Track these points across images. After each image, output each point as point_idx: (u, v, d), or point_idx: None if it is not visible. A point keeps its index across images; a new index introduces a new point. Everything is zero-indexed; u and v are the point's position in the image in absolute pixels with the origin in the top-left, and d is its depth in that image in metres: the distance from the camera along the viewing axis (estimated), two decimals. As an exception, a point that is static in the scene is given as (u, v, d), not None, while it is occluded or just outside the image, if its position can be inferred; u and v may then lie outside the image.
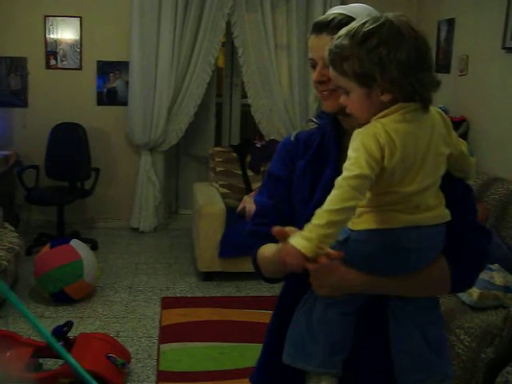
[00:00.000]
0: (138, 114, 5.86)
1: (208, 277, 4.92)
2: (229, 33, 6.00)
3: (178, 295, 4.63)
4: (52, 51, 5.86)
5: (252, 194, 5.09)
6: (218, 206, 4.92)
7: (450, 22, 5.27)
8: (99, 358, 3.18)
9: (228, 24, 5.86)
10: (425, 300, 1.46)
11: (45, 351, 3.32)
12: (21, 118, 5.90)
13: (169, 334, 3.95)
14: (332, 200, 1.24)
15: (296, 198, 1.55)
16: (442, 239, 1.40)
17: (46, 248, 4.38)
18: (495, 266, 3.37)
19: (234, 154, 5.59)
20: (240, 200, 5.08)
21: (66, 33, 5.84)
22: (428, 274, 1.41)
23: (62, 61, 5.90)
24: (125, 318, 4.17)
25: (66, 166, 5.64)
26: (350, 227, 1.36)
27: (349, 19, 1.41)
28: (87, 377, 1.06)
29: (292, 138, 1.62)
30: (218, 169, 5.51)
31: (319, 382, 1.43)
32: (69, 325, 3.37)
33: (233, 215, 4.84)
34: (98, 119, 5.99)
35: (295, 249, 1.24)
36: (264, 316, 4.23)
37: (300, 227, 1.29)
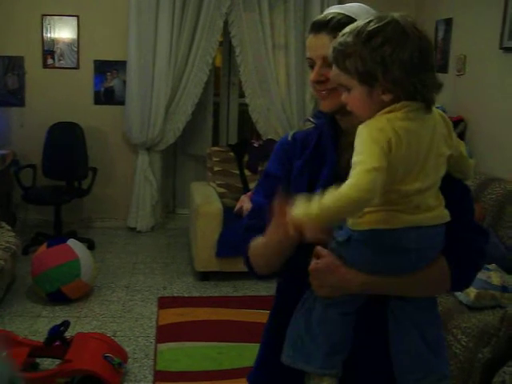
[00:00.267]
0: (136, 114, 5.85)
1: (205, 276, 4.91)
2: (226, 32, 6.00)
3: (175, 295, 4.63)
4: (49, 50, 5.85)
5: (249, 193, 5.09)
6: (216, 206, 4.92)
7: (448, 22, 5.27)
8: (96, 358, 3.17)
9: (226, 23, 5.86)
10: (424, 300, 1.46)
11: (41, 351, 3.32)
12: (18, 117, 5.89)
13: (166, 333, 3.95)
14: (351, 187, 1.22)
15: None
16: (442, 239, 1.40)
17: (43, 247, 4.38)
18: (492, 266, 3.38)
19: (232, 154, 5.59)
20: (237, 200, 5.07)
21: (63, 32, 5.83)
22: (428, 274, 1.41)
23: (59, 60, 5.89)
24: (122, 317, 4.17)
25: (63, 165, 5.63)
26: (352, 227, 1.36)
27: (348, 19, 1.41)
28: None
29: (289, 138, 1.61)
30: (216, 168, 5.50)
31: (320, 382, 1.43)
32: (65, 324, 3.37)
33: (230, 215, 4.83)
34: (95, 118, 5.98)
35: (296, 216, 1.26)
36: (261, 316, 4.22)
37: None
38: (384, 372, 1.46)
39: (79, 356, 3.14)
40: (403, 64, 1.27)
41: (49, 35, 5.82)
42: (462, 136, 4.78)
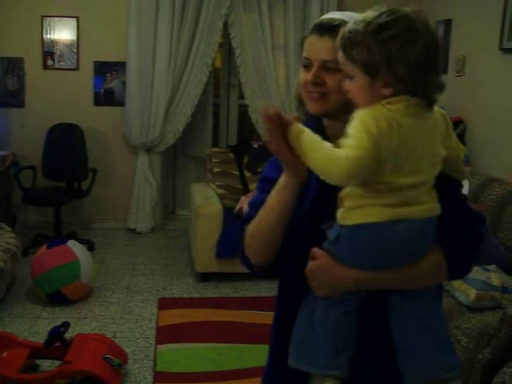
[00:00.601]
0: (135, 115, 5.85)
1: (205, 277, 4.91)
2: (226, 33, 6.00)
3: (175, 296, 4.63)
4: (49, 51, 5.86)
5: (249, 194, 5.09)
6: (215, 207, 4.92)
7: (447, 23, 5.28)
8: (96, 359, 3.17)
9: (225, 24, 5.86)
10: (423, 293, 1.45)
11: (41, 352, 3.32)
12: (18, 118, 5.89)
13: (166, 334, 3.95)
14: (329, 165, 1.29)
15: None
16: (433, 231, 1.41)
17: (43, 249, 4.38)
18: (492, 267, 3.38)
19: (231, 155, 5.59)
20: (237, 201, 5.07)
21: (63, 33, 5.83)
22: (423, 265, 1.41)
23: (59, 61, 5.89)
24: (122, 318, 4.17)
25: (63, 166, 5.63)
26: (340, 222, 1.37)
27: None
28: None
29: None
30: (215, 169, 5.50)
31: (323, 383, 1.43)
32: (65, 325, 3.37)
33: (230, 216, 4.83)
34: (94, 120, 5.98)
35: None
36: (261, 317, 4.24)
37: (294, 228, 1.36)
38: (389, 369, 1.46)
39: (79, 357, 3.14)
40: (408, 61, 1.27)
41: (49, 36, 5.82)
42: (461, 137, 4.79)
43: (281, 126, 1.33)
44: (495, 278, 3.29)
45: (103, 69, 5.96)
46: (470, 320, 3.11)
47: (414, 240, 1.38)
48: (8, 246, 4.37)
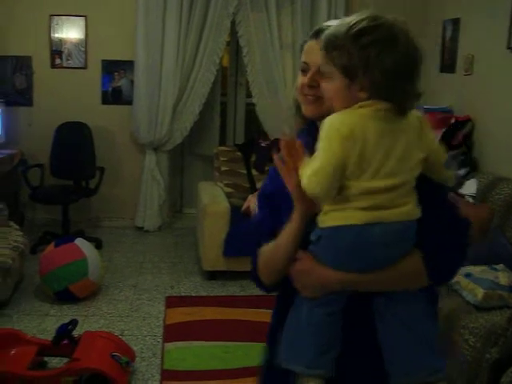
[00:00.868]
0: (143, 113, 5.87)
1: (212, 276, 4.92)
2: (233, 32, 6.00)
3: (183, 294, 4.64)
4: (57, 50, 5.87)
5: (256, 193, 5.09)
6: (223, 205, 4.93)
7: (456, 22, 5.26)
8: (104, 357, 3.18)
9: (233, 23, 5.86)
10: (408, 295, 1.46)
11: (49, 349, 3.33)
12: (26, 116, 5.92)
13: (173, 332, 3.96)
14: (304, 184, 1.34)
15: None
16: (412, 234, 1.42)
17: (51, 247, 4.40)
18: (500, 266, 3.37)
19: (239, 154, 5.59)
20: (245, 199, 5.07)
21: (71, 32, 5.85)
22: (401, 268, 1.42)
23: (67, 60, 5.91)
24: (129, 316, 4.18)
25: (71, 164, 5.65)
26: (319, 225, 1.41)
27: None
28: None
29: None
30: (223, 168, 5.51)
31: (307, 382, 1.46)
32: (73, 323, 3.38)
33: (237, 214, 4.84)
34: (102, 118, 6.00)
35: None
36: (268, 315, 4.21)
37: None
38: (376, 369, 1.47)
39: (87, 355, 3.15)
40: (385, 68, 1.30)
41: (57, 35, 5.84)
42: (469, 136, 4.77)
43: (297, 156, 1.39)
44: (503, 277, 3.28)
45: (111, 67, 5.98)
46: (477, 319, 3.10)
47: (393, 243, 1.39)
48: (16, 243, 4.39)
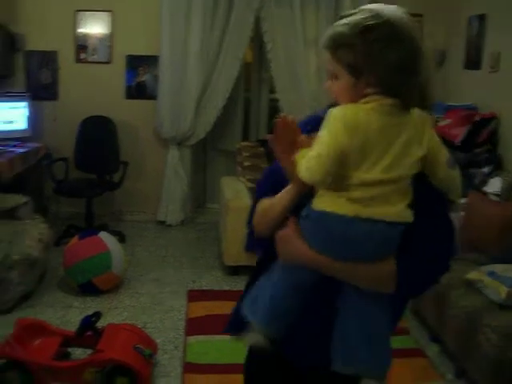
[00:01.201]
0: (167, 108, 5.89)
1: (234, 271, 4.93)
2: (257, 28, 6.00)
3: (204, 288, 4.66)
4: (82, 45, 5.92)
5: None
6: (245, 201, 4.94)
7: (481, 18, 5.21)
8: (127, 349, 3.21)
9: (257, 19, 5.86)
10: (373, 294, 1.48)
11: (73, 340, 3.37)
12: (51, 111, 5.97)
13: (195, 326, 3.98)
14: (303, 169, 1.38)
15: None
16: (396, 240, 1.43)
17: (75, 239, 4.44)
18: (524, 265, 3.35)
19: (262, 149, 5.60)
20: (267, 195, 5.08)
21: (96, 27, 5.89)
22: (373, 269, 1.45)
23: (92, 55, 5.95)
24: (152, 309, 4.21)
25: (95, 158, 5.69)
26: (311, 206, 1.44)
27: None
28: None
29: None
30: (246, 163, 5.52)
31: (254, 337, 1.57)
32: (97, 315, 3.42)
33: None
34: (126, 113, 6.04)
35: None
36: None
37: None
38: (320, 350, 1.54)
39: (110, 346, 3.18)
40: (389, 64, 1.32)
41: (82, 30, 5.88)
42: (494, 133, 4.74)
43: (292, 134, 1.45)
44: (527, 275, 3.26)
45: (135, 62, 6.01)
46: (500, 318, 3.08)
47: (375, 241, 1.40)
48: (41, 236, 4.44)
